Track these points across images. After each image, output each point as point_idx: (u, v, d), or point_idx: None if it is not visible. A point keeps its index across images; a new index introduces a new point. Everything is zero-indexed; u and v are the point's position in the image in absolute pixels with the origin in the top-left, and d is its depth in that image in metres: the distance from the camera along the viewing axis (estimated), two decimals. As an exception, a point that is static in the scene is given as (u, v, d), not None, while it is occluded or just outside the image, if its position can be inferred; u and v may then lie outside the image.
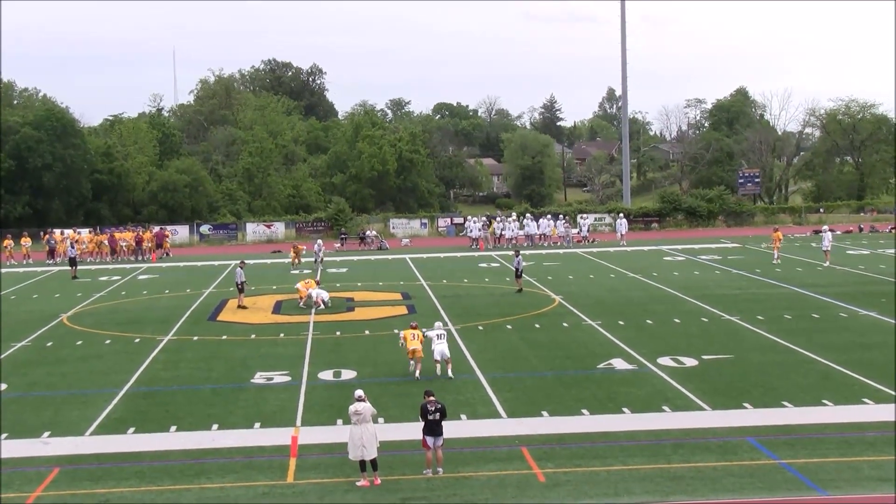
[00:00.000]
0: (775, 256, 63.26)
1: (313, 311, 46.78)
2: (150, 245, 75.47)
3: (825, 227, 66.64)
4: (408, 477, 22.52)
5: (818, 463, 22.85)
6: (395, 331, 38.26)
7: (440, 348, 32.68)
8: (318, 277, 54.32)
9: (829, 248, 61.24)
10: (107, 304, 50.60)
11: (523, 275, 52.63)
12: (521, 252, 54.85)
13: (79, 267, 64.98)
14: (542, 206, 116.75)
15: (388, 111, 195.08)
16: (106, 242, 75.30)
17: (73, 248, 66.54)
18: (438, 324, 34.53)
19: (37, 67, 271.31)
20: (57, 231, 79.97)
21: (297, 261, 66.42)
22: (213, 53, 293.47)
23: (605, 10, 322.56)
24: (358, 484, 22.00)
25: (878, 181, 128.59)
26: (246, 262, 52.26)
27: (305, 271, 61.93)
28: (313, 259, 66.68)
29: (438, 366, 32.69)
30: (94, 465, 23.89)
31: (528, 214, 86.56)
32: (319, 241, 68.92)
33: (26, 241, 74.99)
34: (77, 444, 25.78)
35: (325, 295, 48.09)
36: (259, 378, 32.69)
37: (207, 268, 66.12)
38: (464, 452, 24.02)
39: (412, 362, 32.85)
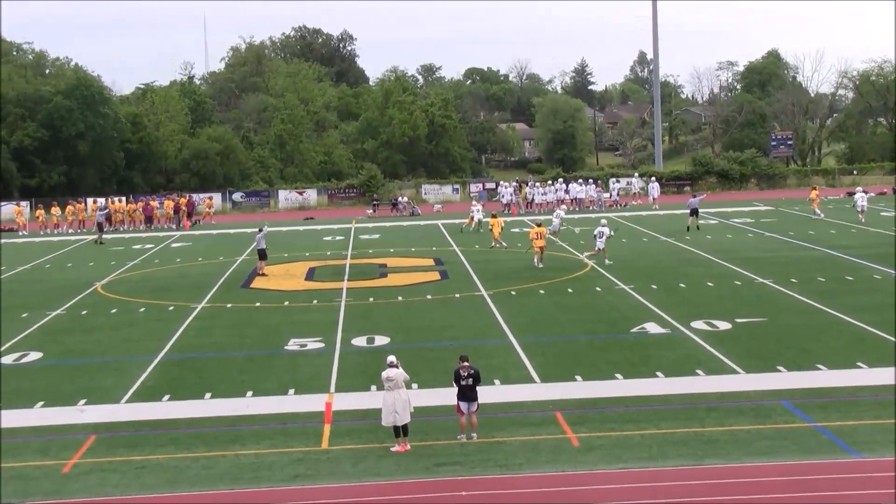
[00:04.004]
0: (817, 213, 64.59)
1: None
2: (183, 212, 75.79)
3: (858, 189, 66.53)
4: (441, 442, 22.58)
5: (852, 425, 22.75)
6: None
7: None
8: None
9: (863, 208, 61.63)
10: (140, 272, 50.89)
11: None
12: (561, 216, 58.33)
13: (112, 235, 65.45)
14: (573, 170, 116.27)
15: (419, 77, 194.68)
16: (140, 211, 75.74)
17: (101, 213, 67.20)
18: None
19: (69, 36, 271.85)
20: (90, 200, 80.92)
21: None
22: (244, 20, 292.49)
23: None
24: (393, 449, 22.08)
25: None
26: (265, 227, 51.30)
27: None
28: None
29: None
30: (129, 433, 24.08)
31: (587, 179, 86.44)
32: (559, 211, 61.53)
33: (56, 211, 75.54)
34: (113, 411, 25.96)
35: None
36: (292, 345, 32.83)
37: (240, 235, 66.29)
38: (497, 417, 24.06)
39: (536, 258, 47.30)
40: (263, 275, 47.59)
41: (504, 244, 54.90)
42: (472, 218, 64.91)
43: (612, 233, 51.01)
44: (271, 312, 38.78)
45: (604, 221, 50.43)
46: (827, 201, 75.92)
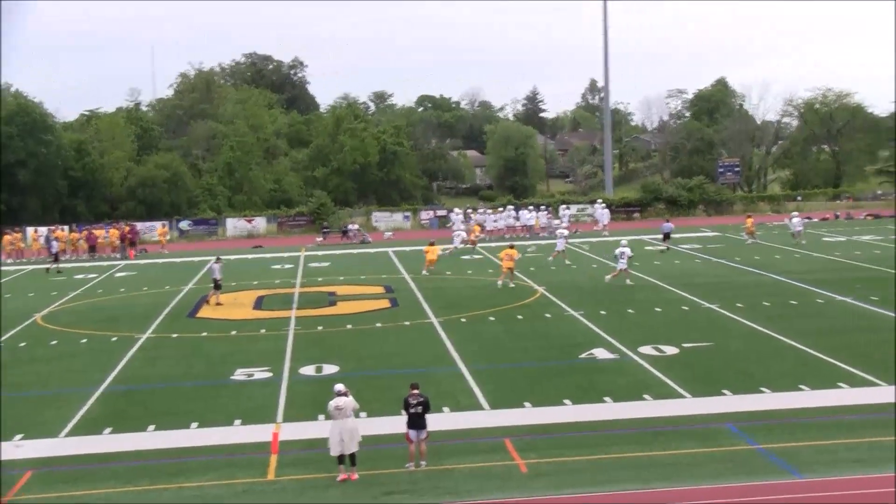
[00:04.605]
0: (747, 239, 66.89)
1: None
2: (128, 241, 74.97)
3: (795, 213, 69.41)
4: (390, 471, 22.46)
5: (796, 447, 23.02)
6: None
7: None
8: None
9: (799, 232, 65.16)
10: (83, 303, 50.28)
11: None
12: (565, 234, 61.08)
13: (54, 265, 64.79)
14: (525, 197, 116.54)
15: (371, 104, 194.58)
16: (83, 240, 74.90)
17: (53, 243, 66.60)
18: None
19: (11, 61, 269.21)
20: (30, 229, 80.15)
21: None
22: (193, 47, 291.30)
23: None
24: (338, 479, 21.89)
25: (854, 169, 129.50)
26: (221, 258, 51.38)
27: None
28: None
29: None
30: (69, 467, 23.67)
31: (538, 206, 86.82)
32: (563, 231, 64.09)
33: None
34: (52, 445, 25.45)
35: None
36: (240, 374, 32.55)
37: (187, 264, 65.73)
38: (446, 445, 23.95)
39: (502, 277, 49.24)
40: (219, 304, 47.22)
41: (430, 271, 55.72)
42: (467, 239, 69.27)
43: (632, 253, 51.50)
44: (218, 342, 38.48)
45: (624, 242, 51.73)
46: (772, 227, 76.82)
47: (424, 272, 55.60)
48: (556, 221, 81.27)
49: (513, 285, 49.10)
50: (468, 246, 68.13)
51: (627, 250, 49.79)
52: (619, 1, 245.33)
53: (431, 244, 57.70)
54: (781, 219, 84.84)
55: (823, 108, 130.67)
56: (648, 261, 58.33)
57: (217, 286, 47.92)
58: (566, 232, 61.22)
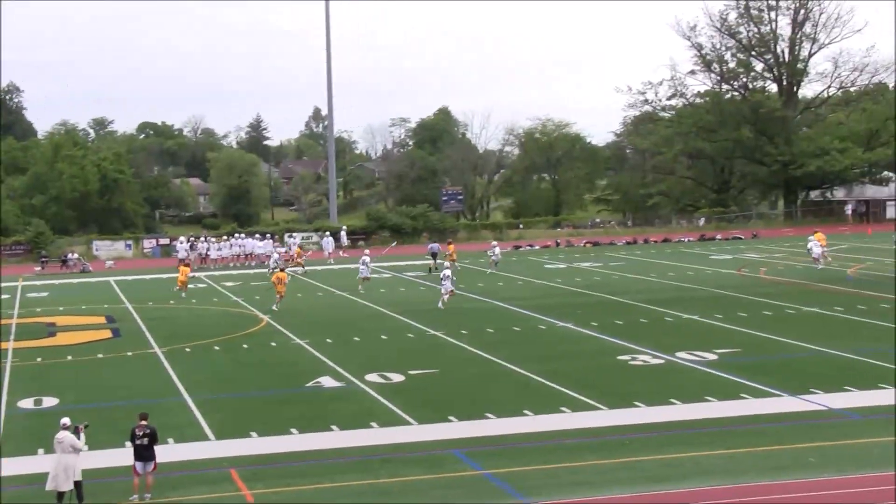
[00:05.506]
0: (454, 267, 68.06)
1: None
2: None
3: (494, 243, 73.08)
4: (114, 505, 22.04)
5: (520, 472, 23.58)
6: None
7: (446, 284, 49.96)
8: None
9: (496, 259, 68.53)
10: None
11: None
12: (367, 262, 60.62)
13: None
14: (249, 225, 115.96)
15: (91, 130, 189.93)
16: None
17: None
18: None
19: None
20: None
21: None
22: None
23: (307, 27, 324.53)
24: (57, 517, 21.36)
25: (572, 197, 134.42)
26: None
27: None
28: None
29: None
30: None
31: (264, 234, 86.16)
32: (366, 258, 61.79)
33: None
34: None
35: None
36: (-47, 410, 31.29)
37: None
38: (172, 477, 23.64)
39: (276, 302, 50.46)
40: None
41: (181, 291, 57.91)
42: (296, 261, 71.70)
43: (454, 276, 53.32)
44: (-71, 376, 36.80)
45: (447, 264, 55.63)
46: (495, 256, 78.74)
47: (182, 293, 57.56)
48: (283, 249, 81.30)
49: (276, 308, 50.36)
50: (295, 268, 69.73)
51: (449, 272, 52.22)
52: (341, 20, 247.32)
53: (186, 265, 61.20)
54: (504, 247, 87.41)
55: (543, 138, 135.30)
56: (374, 289, 58.91)
57: None
58: (368, 259, 61.42)
